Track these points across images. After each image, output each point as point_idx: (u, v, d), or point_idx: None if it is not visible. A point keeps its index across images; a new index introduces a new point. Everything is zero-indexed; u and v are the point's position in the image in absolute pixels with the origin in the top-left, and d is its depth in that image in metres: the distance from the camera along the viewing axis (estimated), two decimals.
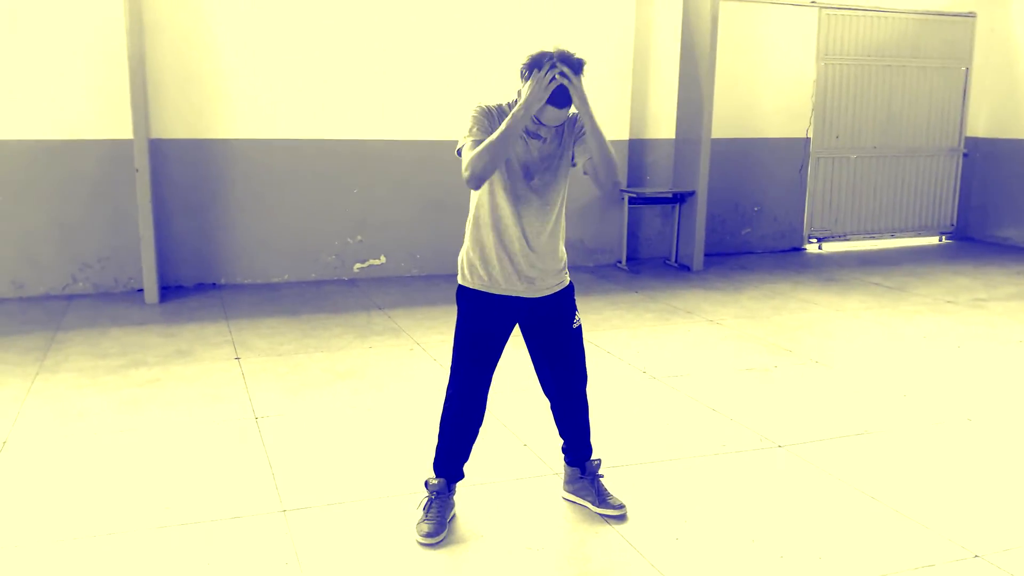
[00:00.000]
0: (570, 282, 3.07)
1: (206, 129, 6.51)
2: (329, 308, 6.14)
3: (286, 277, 6.91)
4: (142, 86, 5.96)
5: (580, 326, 3.09)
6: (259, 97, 6.59)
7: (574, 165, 2.98)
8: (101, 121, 6.18)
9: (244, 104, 6.58)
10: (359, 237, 7.11)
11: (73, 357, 4.86)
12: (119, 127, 6.19)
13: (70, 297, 6.24)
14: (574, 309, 3.06)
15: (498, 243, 2.86)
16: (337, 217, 6.99)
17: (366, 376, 4.63)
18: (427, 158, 7.12)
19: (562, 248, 3.01)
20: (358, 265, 7.12)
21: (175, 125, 6.44)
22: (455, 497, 3.10)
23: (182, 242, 6.58)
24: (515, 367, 4.85)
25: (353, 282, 6.99)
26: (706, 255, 8.03)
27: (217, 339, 5.29)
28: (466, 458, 3.10)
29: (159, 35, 6.26)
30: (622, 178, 2.50)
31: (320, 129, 6.81)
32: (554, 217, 2.90)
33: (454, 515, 3.06)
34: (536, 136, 2.89)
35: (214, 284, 6.72)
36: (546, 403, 4.19)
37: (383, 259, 7.18)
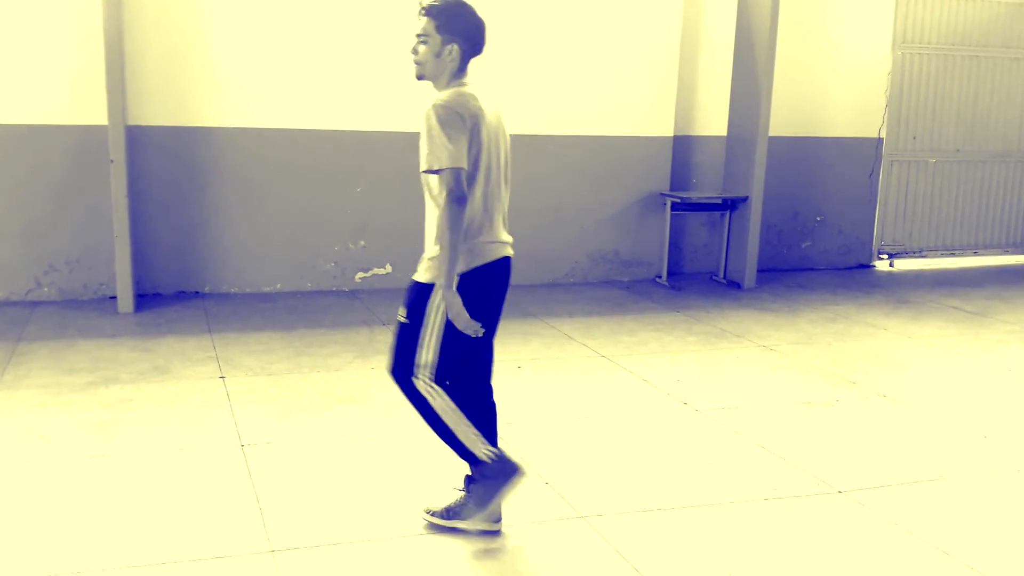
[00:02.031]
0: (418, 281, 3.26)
1: (190, 116, 6.65)
2: (327, 323, 6.23)
3: (278, 287, 7.02)
4: (119, 65, 6.10)
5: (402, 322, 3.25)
6: (250, 81, 6.72)
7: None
8: (71, 104, 6.32)
9: (233, 88, 6.71)
10: (362, 243, 7.21)
11: (36, 372, 4.97)
12: (92, 111, 6.33)
13: (33, 304, 6.37)
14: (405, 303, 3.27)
15: None
16: (337, 219, 7.10)
17: (367, 401, 4.70)
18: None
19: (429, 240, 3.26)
20: (360, 274, 7.21)
21: (155, 111, 6.58)
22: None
23: (161, 244, 6.70)
24: (537, 398, 4.91)
25: (354, 294, 7.07)
26: (759, 271, 8.05)
27: (199, 355, 5.39)
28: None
29: (139, 9, 6.42)
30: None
31: (319, 118, 6.93)
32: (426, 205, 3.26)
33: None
34: None
35: (197, 293, 6.83)
36: (572, 440, 4.21)
37: (389, 268, 7.28)
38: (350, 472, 3.85)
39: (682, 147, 8.06)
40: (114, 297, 6.45)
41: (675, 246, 8.10)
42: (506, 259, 3.28)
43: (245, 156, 6.82)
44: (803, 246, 8.66)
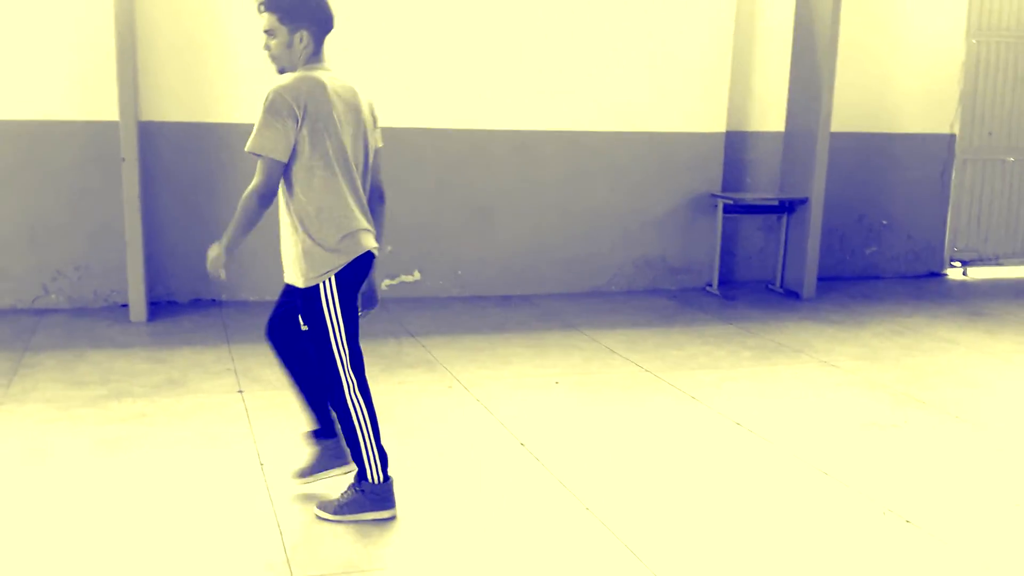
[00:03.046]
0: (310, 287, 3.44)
1: (207, 111, 6.74)
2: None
3: None
4: (131, 57, 6.19)
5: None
6: (270, 72, 6.77)
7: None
8: (80, 99, 6.43)
9: (253, 81, 6.76)
10: (388, 248, 7.25)
11: (43, 385, 5.06)
12: (102, 106, 6.44)
13: (40, 312, 6.49)
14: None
15: None
16: None
17: (394, 418, 4.73)
18: (474, 152, 7.27)
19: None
20: (387, 282, 7.26)
21: (169, 105, 6.68)
22: None
23: (176, 249, 6.79)
24: (576, 416, 4.91)
25: (381, 303, 7.11)
26: (820, 279, 7.99)
27: (216, 367, 5.45)
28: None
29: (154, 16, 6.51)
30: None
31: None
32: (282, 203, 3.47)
33: None
34: None
35: (214, 301, 6.92)
36: (614, 462, 4.21)
37: (417, 275, 7.32)
38: None
39: (735, 144, 8.02)
40: (126, 305, 6.54)
41: (727, 252, 8.06)
42: (370, 253, 3.54)
43: None
44: (868, 252, 8.58)
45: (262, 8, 3.33)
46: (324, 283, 3.41)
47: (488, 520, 3.65)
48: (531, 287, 7.55)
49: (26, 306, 6.55)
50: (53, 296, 6.60)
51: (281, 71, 3.42)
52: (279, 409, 4.81)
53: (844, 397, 5.27)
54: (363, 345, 6.05)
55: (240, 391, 5.06)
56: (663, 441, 4.55)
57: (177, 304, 6.80)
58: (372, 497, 3.58)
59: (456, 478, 4.04)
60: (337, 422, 3.66)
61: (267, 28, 3.34)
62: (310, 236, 3.39)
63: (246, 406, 4.83)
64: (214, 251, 3.39)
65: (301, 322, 3.52)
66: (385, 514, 3.60)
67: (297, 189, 3.38)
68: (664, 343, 6.26)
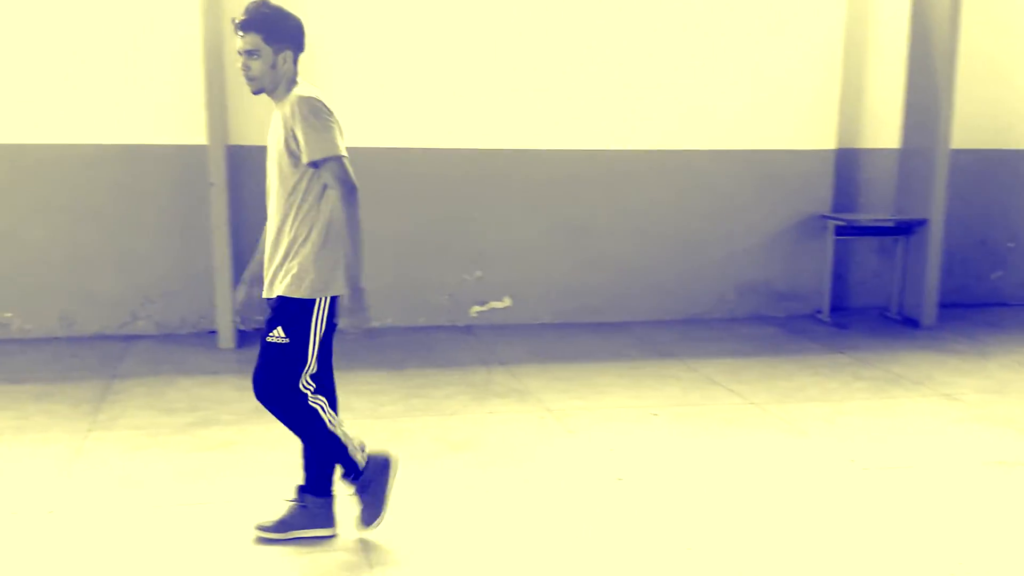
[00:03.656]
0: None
1: None
2: (440, 361, 6.36)
3: (388, 321, 7.21)
4: (220, 81, 6.42)
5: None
6: (358, 97, 6.97)
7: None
8: (169, 123, 6.68)
9: (340, 105, 6.93)
10: (478, 273, 7.33)
11: (132, 411, 5.26)
12: (191, 130, 6.67)
13: (128, 338, 6.74)
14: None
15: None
16: (451, 247, 7.26)
17: (484, 449, 4.78)
18: (566, 173, 7.32)
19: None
20: (476, 308, 7.33)
21: (258, 129, 6.86)
22: None
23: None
24: (676, 451, 4.88)
25: (469, 329, 7.20)
26: (941, 306, 7.79)
27: None
28: None
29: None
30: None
31: (431, 136, 7.12)
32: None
33: None
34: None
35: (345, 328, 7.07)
36: (717, 500, 4.18)
37: (507, 301, 7.38)
38: (465, 528, 3.91)
39: (847, 162, 7.90)
40: (214, 332, 6.72)
41: (839, 277, 7.92)
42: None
43: (370, 176, 7.04)
44: (993, 277, 8.33)
45: (244, 29, 3.42)
46: (322, 299, 3.50)
47: (583, 558, 3.65)
48: (626, 314, 7.53)
49: (114, 332, 6.80)
50: (141, 322, 6.84)
51: (258, 92, 3.52)
52: (367, 439, 4.83)
53: (967, 433, 5.12)
54: (451, 373, 6.12)
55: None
56: (770, 479, 4.49)
57: None
58: (316, 512, 3.75)
59: (549, 513, 4.05)
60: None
61: (249, 48, 3.42)
62: (321, 248, 3.48)
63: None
64: (353, 307, 3.45)
65: (276, 333, 3.49)
66: (326, 532, 3.76)
67: (315, 197, 3.47)
68: (770, 373, 6.18)
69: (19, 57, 6.40)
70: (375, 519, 3.75)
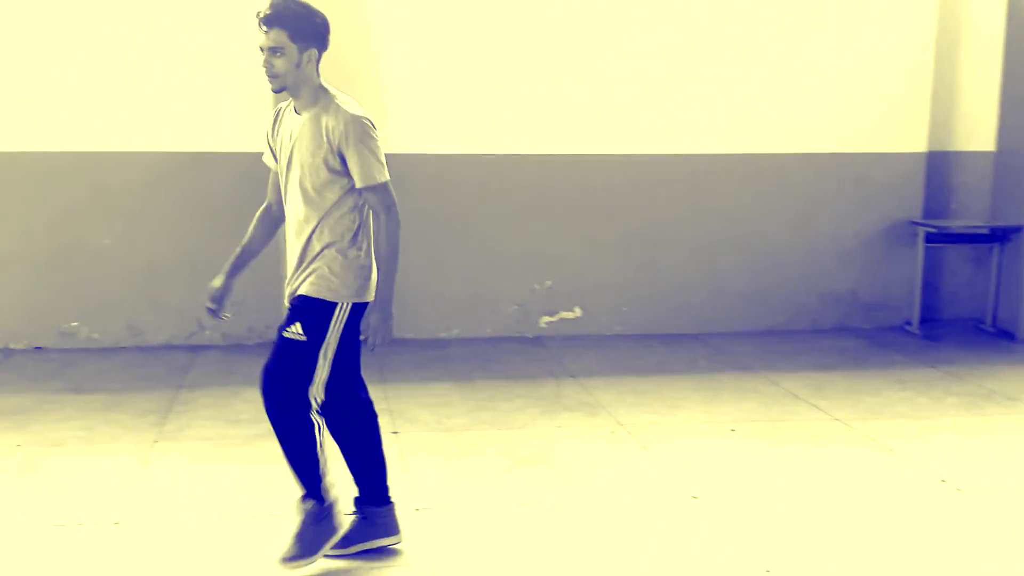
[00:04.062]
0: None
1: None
2: (508, 373, 6.38)
3: (455, 332, 7.26)
4: None
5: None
6: (423, 101, 7.05)
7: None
8: (239, 129, 6.78)
9: (405, 110, 7.03)
10: (548, 283, 7.35)
11: (198, 423, 5.37)
12: (260, 138, 6.76)
13: (195, 348, 6.89)
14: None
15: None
16: (520, 256, 7.28)
17: (553, 464, 4.78)
18: (639, 179, 7.30)
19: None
20: (546, 319, 7.35)
21: None
22: None
23: None
24: (755, 469, 4.83)
25: (539, 340, 7.22)
26: None
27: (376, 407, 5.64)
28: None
29: None
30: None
31: (500, 141, 7.15)
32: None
33: None
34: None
35: (367, 339, 7.16)
36: (798, 521, 4.12)
37: (578, 312, 7.38)
38: (533, 545, 3.92)
39: (938, 165, 7.74)
40: None
41: (929, 286, 7.76)
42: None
43: (418, 185, 7.10)
44: None
45: (269, 24, 3.40)
46: (344, 304, 3.54)
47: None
48: (702, 325, 7.48)
49: (181, 342, 6.96)
50: (208, 332, 6.98)
51: (280, 90, 3.49)
52: (434, 452, 4.93)
53: None
54: (520, 385, 6.13)
55: (394, 432, 5.21)
56: (855, 499, 4.41)
57: None
58: (378, 522, 3.77)
59: (621, 531, 4.04)
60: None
61: (273, 45, 3.40)
62: (353, 256, 3.54)
63: (400, 448, 4.97)
64: (380, 319, 3.61)
65: (294, 328, 3.51)
66: (391, 541, 3.78)
67: (349, 208, 3.53)
68: (855, 388, 6.08)
69: (86, 65, 6.59)
70: (300, 560, 3.57)
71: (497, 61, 7.05)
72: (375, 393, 5.79)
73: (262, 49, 3.44)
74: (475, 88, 7.05)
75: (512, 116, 7.13)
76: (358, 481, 3.83)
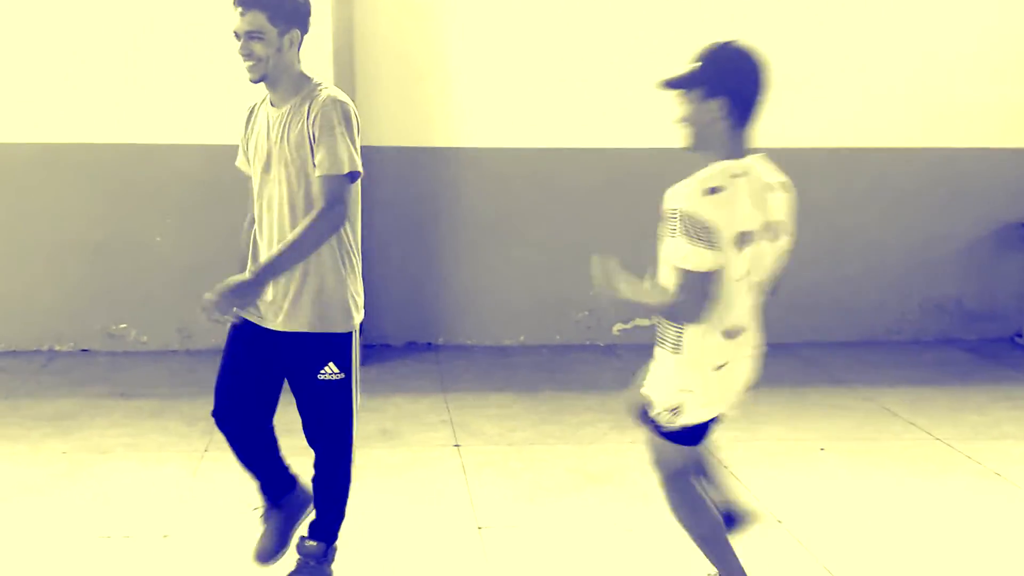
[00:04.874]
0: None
1: (427, 135, 7.10)
2: (578, 384, 6.37)
3: (522, 339, 7.28)
4: (349, 80, 6.62)
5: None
6: (494, 94, 7.09)
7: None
8: None
9: (473, 103, 7.07)
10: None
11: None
12: None
13: None
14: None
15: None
16: (591, 257, 7.24)
17: (625, 482, 4.77)
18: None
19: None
20: (619, 326, 7.34)
21: (388, 129, 7.06)
22: None
23: (390, 287, 7.13)
24: (846, 492, 4.76)
25: (611, 349, 7.20)
26: None
27: (432, 418, 5.68)
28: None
29: (371, 18, 6.94)
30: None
31: (572, 135, 7.16)
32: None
33: None
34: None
35: (429, 345, 7.23)
36: (893, 549, 4.06)
37: (654, 319, 7.33)
38: (604, 568, 3.91)
39: None
40: None
41: None
42: None
43: (482, 181, 7.16)
44: None
45: (245, 6, 3.23)
46: (358, 327, 3.47)
47: None
48: (788, 334, 7.38)
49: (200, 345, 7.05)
50: None
51: (259, 80, 3.32)
52: (498, 467, 4.94)
53: None
54: (590, 398, 6.13)
55: (456, 445, 5.24)
56: (957, 527, 4.33)
57: (390, 347, 7.14)
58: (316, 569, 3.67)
59: (698, 556, 4.00)
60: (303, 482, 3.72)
61: (251, 29, 3.22)
62: (353, 272, 3.43)
63: (463, 462, 5.00)
64: (242, 289, 3.22)
65: (328, 370, 3.40)
66: None
67: (349, 217, 3.38)
68: (959, 405, 5.97)
69: (138, 55, 6.73)
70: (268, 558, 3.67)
71: (566, 51, 7.05)
72: (436, 403, 5.88)
73: (237, 34, 3.27)
74: (543, 80, 7.06)
75: (583, 108, 7.12)
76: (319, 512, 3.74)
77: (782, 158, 7.16)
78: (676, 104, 3.14)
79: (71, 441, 5.25)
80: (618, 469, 4.94)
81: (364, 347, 6.72)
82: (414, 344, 7.20)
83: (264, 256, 3.36)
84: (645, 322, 7.33)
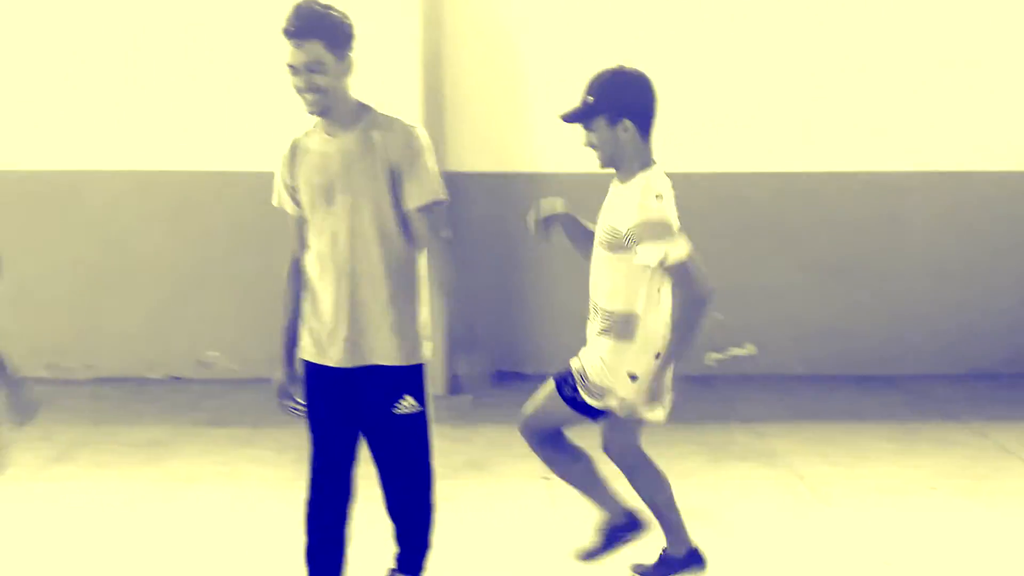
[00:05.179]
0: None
1: (518, 159, 7.16)
2: (671, 416, 6.30)
3: None
4: (438, 105, 6.70)
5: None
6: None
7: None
8: None
9: (567, 127, 7.09)
10: (717, 315, 7.24)
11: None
12: None
13: None
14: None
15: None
16: None
17: (721, 519, 4.70)
18: (819, 198, 7.19)
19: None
20: (714, 355, 7.28)
21: (478, 154, 7.13)
22: None
23: (479, 313, 7.16)
24: (959, 535, 4.64)
25: (706, 380, 7.14)
26: None
27: (522, 449, 5.57)
28: None
29: (460, 42, 7.05)
30: None
31: (672, 158, 7.10)
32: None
33: None
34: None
35: (519, 374, 7.24)
36: None
37: (751, 349, 7.28)
38: None
39: None
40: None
41: None
42: None
43: (574, 207, 7.14)
44: None
45: (302, 37, 3.12)
46: (428, 357, 3.49)
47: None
48: (896, 365, 7.25)
49: None
50: None
51: (322, 113, 3.25)
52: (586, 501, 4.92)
53: None
54: (684, 430, 6.07)
55: (546, 478, 5.21)
56: None
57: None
58: None
59: None
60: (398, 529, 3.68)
61: (309, 61, 3.13)
62: (421, 302, 3.45)
63: (552, 496, 4.99)
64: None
65: (409, 403, 3.43)
66: None
67: (405, 242, 3.35)
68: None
69: (228, 83, 6.93)
70: None
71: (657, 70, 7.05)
72: (518, 435, 5.88)
73: (294, 68, 3.17)
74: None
75: (675, 130, 7.09)
76: (403, 544, 3.73)
77: (889, 182, 7.13)
78: (581, 132, 3.59)
79: (163, 468, 5.39)
80: (715, 505, 4.88)
81: (451, 376, 6.86)
82: (504, 374, 7.23)
83: (330, 297, 3.37)
84: (742, 351, 7.26)
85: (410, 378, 3.42)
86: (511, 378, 7.13)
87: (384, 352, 3.35)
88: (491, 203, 7.17)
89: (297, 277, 3.55)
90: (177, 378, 7.15)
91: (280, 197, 3.51)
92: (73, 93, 7.01)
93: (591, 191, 7.07)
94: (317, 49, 3.13)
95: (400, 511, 3.62)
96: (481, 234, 7.16)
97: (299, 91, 3.20)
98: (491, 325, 7.19)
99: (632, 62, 7.21)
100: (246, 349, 7.17)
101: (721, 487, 5.12)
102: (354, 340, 3.33)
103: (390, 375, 3.38)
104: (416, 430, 3.48)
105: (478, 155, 7.13)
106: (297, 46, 3.14)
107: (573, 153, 6.99)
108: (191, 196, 7.06)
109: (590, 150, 3.60)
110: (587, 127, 3.59)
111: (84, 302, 7.16)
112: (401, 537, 3.67)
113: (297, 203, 3.43)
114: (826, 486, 5.14)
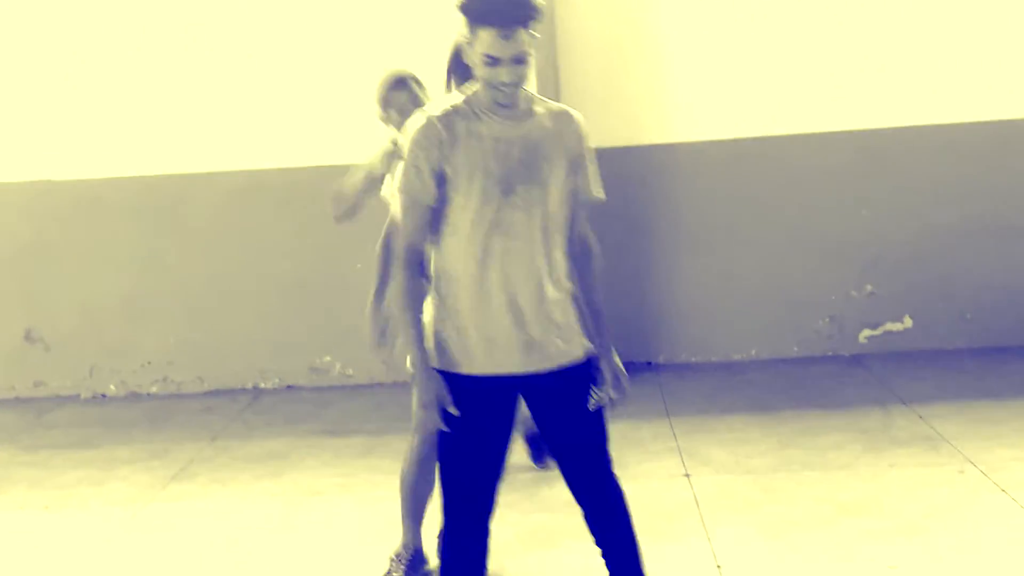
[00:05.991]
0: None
1: (637, 132, 7.09)
2: (821, 401, 6.23)
3: (753, 353, 7.18)
4: (553, 80, 6.66)
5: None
6: (710, 80, 7.05)
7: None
8: None
9: (685, 96, 7.04)
10: (868, 287, 7.11)
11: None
12: None
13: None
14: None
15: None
16: (833, 256, 7.10)
17: (886, 513, 4.61)
18: (982, 149, 6.99)
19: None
20: (867, 332, 7.13)
21: (596, 128, 7.06)
22: None
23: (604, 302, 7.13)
24: None
25: (859, 360, 7.01)
26: None
27: (656, 445, 5.65)
28: None
29: (573, 9, 7.01)
30: None
31: (799, 119, 7.01)
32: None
33: None
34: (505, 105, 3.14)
35: (649, 364, 7.21)
36: None
37: (908, 323, 7.11)
38: None
39: None
40: None
41: None
42: None
43: (705, 179, 7.10)
44: None
45: (514, 26, 3.00)
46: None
47: None
48: None
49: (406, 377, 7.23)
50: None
51: (510, 105, 3.13)
52: (735, 498, 4.88)
53: None
54: (837, 416, 5.95)
55: (687, 475, 5.19)
56: None
57: None
58: None
59: None
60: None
61: (518, 53, 3.02)
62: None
63: (695, 493, 4.96)
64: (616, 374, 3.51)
65: (595, 398, 3.38)
66: None
67: (568, 232, 3.35)
68: None
69: (329, 76, 7.02)
70: None
71: (794, 24, 6.93)
72: (660, 429, 5.84)
73: (495, 59, 3.01)
74: (769, 60, 6.98)
75: (820, 86, 6.98)
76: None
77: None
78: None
79: (283, 483, 5.50)
80: (876, 497, 4.78)
81: None
82: (632, 364, 7.10)
83: (502, 296, 3.21)
84: (898, 326, 7.09)
85: (588, 369, 3.39)
86: (642, 369, 7.08)
87: (571, 350, 3.32)
88: (614, 181, 6.82)
89: (421, 272, 3.34)
90: (291, 387, 7.29)
91: (411, 185, 3.20)
92: (180, 93, 7.17)
93: (731, 158, 7.04)
94: (524, 38, 3.03)
95: (617, 517, 3.57)
96: (603, 214, 7.04)
97: (492, 84, 3.07)
98: (618, 312, 7.10)
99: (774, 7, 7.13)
100: (360, 354, 7.24)
101: (884, 477, 5.02)
102: (541, 341, 3.24)
103: (576, 373, 3.34)
104: (604, 424, 3.45)
105: (598, 129, 6.99)
106: (505, 37, 3.00)
107: (706, 118, 7.00)
108: (298, 190, 7.12)
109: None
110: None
111: (192, 313, 7.34)
112: (631, 546, 3.58)
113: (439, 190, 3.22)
114: (1002, 471, 4.96)
